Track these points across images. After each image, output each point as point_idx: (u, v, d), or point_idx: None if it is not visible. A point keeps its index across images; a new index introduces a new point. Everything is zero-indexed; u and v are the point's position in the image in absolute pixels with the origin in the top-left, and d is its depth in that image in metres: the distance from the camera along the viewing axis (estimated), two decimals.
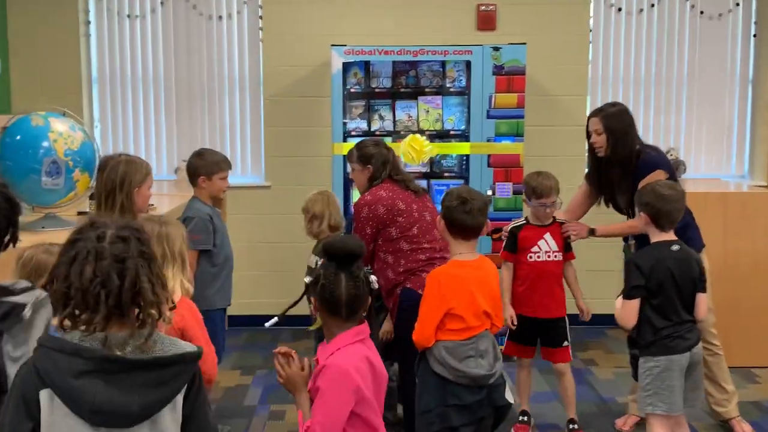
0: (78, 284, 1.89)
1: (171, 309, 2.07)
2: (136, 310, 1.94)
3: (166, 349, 1.97)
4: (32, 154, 3.92)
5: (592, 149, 4.43)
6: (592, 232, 4.44)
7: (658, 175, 4.14)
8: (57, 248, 2.30)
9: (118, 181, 3.55)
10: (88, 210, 4.47)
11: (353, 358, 2.57)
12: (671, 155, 6.59)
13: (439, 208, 3.45)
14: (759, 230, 5.45)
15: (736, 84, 6.66)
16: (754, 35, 6.58)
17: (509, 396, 3.35)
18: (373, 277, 2.67)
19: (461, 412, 3.22)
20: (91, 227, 1.97)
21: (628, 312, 3.56)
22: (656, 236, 3.62)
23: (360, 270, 2.63)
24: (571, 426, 4.51)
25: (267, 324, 3.03)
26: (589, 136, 4.41)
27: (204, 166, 4.42)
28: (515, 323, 4.40)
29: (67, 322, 1.92)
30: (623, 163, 4.29)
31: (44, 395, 1.88)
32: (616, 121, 4.31)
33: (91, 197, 3.71)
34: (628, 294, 3.57)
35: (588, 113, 6.43)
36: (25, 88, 6.31)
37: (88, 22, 6.43)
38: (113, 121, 6.56)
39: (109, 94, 6.53)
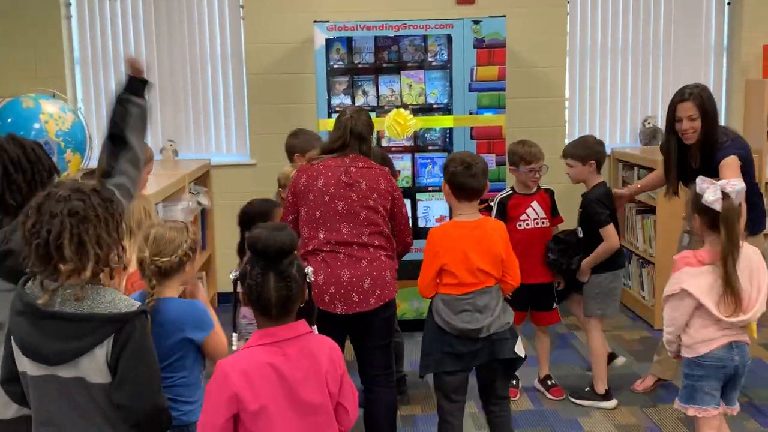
0: (22, 233, 2.19)
1: (114, 269, 2.29)
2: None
3: (95, 305, 2.19)
4: (24, 136, 3.96)
5: (675, 136, 4.19)
6: None
7: (734, 161, 4.02)
8: (181, 224, 2.78)
9: None
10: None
11: (245, 361, 2.29)
12: (649, 123, 6.72)
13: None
14: None
15: (711, 51, 6.79)
16: (728, 3, 6.70)
17: (520, 350, 3.56)
18: (309, 269, 2.41)
19: (455, 359, 3.53)
20: (53, 187, 2.24)
21: (614, 234, 4.44)
22: (596, 179, 4.55)
23: (291, 266, 2.33)
24: (549, 382, 4.73)
25: (234, 347, 2.63)
26: (675, 122, 4.17)
27: (299, 144, 4.70)
28: None
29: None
30: (708, 148, 4.09)
31: None
32: (709, 103, 4.10)
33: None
34: (606, 220, 4.42)
35: (567, 84, 6.64)
36: (7, 71, 6.29)
37: (69, 4, 6.42)
38: (97, 101, 6.57)
39: (91, 75, 6.55)
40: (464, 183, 3.53)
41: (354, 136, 3.71)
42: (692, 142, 4.14)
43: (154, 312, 2.65)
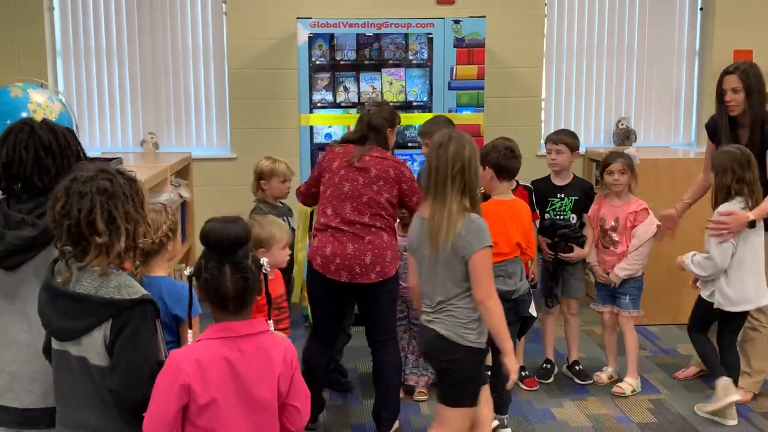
0: (52, 216, 2.26)
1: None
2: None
3: (101, 288, 2.26)
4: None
5: (723, 109, 4.46)
6: (751, 224, 4.22)
7: None
8: (160, 206, 2.89)
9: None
10: None
11: (199, 352, 2.27)
12: (622, 125, 6.88)
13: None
14: (705, 195, 5.73)
15: (683, 55, 6.97)
16: (701, 8, 6.88)
17: (533, 311, 4.12)
18: (264, 260, 2.37)
19: None
20: (78, 171, 2.32)
21: None
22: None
23: (246, 258, 2.31)
24: (523, 374, 4.88)
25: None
26: (722, 94, 4.44)
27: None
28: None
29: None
30: (753, 124, 4.35)
31: None
32: (753, 78, 4.38)
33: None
34: None
35: (544, 85, 6.78)
36: None
37: None
38: (78, 94, 6.60)
39: (73, 67, 6.57)
40: (508, 165, 4.01)
41: (371, 129, 4.08)
42: (735, 114, 4.42)
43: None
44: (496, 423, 4.12)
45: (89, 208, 2.23)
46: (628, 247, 4.72)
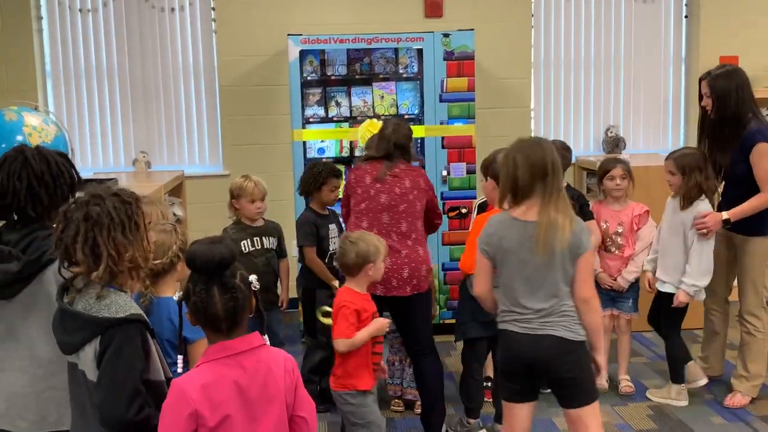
0: (55, 240, 2.35)
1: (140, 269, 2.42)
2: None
3: (91, 306, 2.31)
4: (6, 149, 3.99)
5: (704, 111, 4.60)
6: (726, 223, 4.45)
7: (763, 149, 4.35)
8: (170, 226, 2.92)
9: None
10: None
11: (203, 377, 2.24)
12: (611, 133, 6.93)
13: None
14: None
15: (670, 63, 7.03)
16: (686, 16, 6.96)
17: None
18: (252, 277, 2.34)
19: (484, 326, 4.04)
20: (79, 193, 2.43)
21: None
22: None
23: (234, 277, 2.29)
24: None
25: (179, 370, 2.49)
26: (701, 98, 4.58)
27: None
28: None
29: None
30: (728, 124, 4.44)
31: None
32: (721, 82, 4.46)
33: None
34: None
35: (532, 95, 6.84)
36: None
37: (41, 17, 6.44)
38: (68, 115, 6.58)
39: (63, 88, 6.56)
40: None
41: (398, 148, 4.23)
42: (714, 118, 4.51)
43: (151, 309, 2.79)
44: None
45: (73, 235, 2.30)
46: (634, 250, 4.84)
